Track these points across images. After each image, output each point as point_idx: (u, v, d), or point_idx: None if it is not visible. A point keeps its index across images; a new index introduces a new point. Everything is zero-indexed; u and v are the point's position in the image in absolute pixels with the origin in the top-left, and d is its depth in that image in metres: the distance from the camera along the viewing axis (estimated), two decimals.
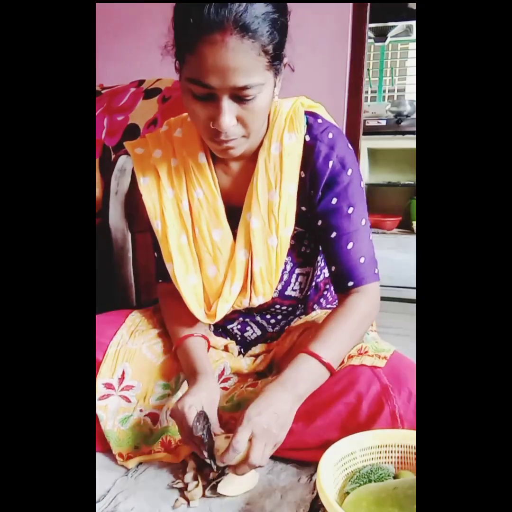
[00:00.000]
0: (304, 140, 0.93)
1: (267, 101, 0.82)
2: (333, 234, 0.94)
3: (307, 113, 0.96)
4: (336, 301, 1.18)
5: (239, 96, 0.78)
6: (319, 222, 0.96)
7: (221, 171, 0.99)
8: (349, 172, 0.93)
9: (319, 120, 0.95)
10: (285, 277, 1.02)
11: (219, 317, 0.99)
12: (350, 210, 0.94)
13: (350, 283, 0.95)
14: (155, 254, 1.07)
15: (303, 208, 0.96)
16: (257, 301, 0.99)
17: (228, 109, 0.79)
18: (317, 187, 0.93)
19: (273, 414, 0.80)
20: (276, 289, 1.01)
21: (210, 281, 0.99)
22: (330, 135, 0.92)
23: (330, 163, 0.92)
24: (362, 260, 0.94)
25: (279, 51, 0.80)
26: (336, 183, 0.93)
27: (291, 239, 0.98)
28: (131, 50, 1.92)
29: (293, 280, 1.03)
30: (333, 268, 0.97)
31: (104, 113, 1.78)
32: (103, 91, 1.86)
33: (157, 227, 0.99)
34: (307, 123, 0.94)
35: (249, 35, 0.73)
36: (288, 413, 0.83)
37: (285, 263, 1.00)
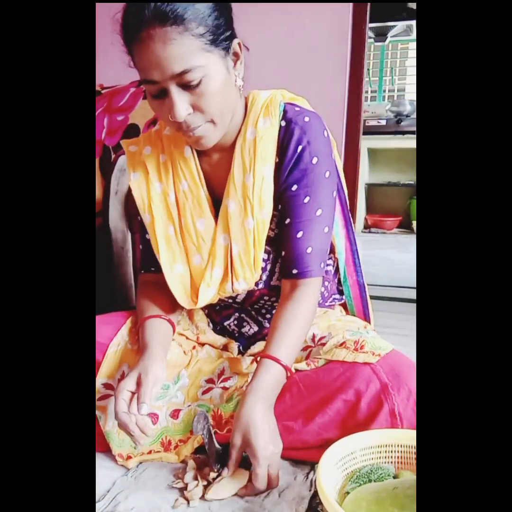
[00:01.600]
0: (280, 125, 0.94)
1: (218, 84, 0.83)
2: (287, 221, 0.96)
3: (286, 103, 0.97)
4: (332, 299, 1.18)
5: (184, 83, 0.80)
6: (279, 206, 0.97)
7: (205, 163, 1.01)
8: (314, 160, 0.93)
9: (297, 108, 0.96)
10: (269, 266, 1.02)
11: (202, 302, 1.00)
12: (307, 199, 0.94)
13: (294, 271, 0.96)
14: (141, 246, 1.10)
15: (279, 191, 0.97)
16: (239, 286, 0.99)
17: (179, 98, 0.81)
18: (283, 170, 0.94)
19: (272, 437, 0.83)
20: (261, 279, 1.01)
21: (196, 270, 1.01)
22: (306, 119, 0.93)
23: (299, 148, 0.93)
24: (308, 250, 0.95)
25: (217, 31, 0.81)
26: (298, 170, 0.94)
27: (272, 227, 0.98)
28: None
29: (277, 269, 1.03)
30: (283, 253, 0.98)
31: (104, 113, 1.78)
32: (103, 91, 1.86)
33: (146, 220, 1.02)
34: (284, 109, 0.95)
35: (170, 22, 0.76)
36: (273, 424, 0.86)
37: (268, 253, 1.00)
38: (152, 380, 0.88)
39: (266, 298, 1.06)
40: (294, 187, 0.94)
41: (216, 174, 1.01)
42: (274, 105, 0.94)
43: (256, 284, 1.01)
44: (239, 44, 0.87)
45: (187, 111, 0.83)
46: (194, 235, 1.00)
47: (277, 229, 1.00)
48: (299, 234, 0.95)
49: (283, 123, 0.94)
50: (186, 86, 0.81)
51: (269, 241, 0.99)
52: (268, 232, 0.98)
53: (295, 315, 0.94)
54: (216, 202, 1.00)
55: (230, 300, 1.07)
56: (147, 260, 1.08)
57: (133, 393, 0.87)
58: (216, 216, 0.99)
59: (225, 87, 0.85)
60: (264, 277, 1.02)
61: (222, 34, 0.82)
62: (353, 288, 1.17)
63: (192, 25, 0.78)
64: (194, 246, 1.00)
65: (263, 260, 1.00)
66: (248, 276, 0.99)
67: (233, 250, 0.97)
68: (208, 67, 0.80)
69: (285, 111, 0.95)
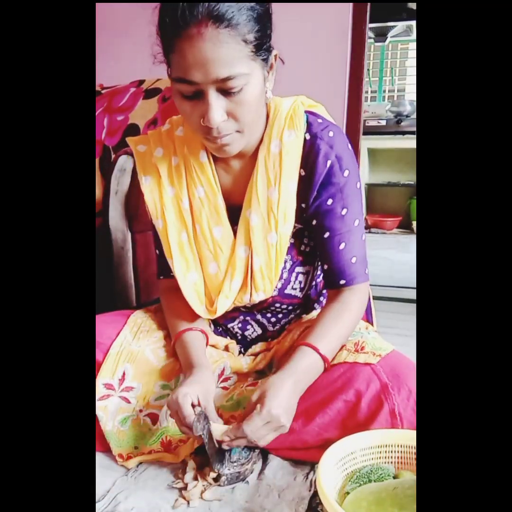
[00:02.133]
0: (304, 138, 0.93)
1: (256, 94, 0.81)
2: (326, 234, 0.96)
3: (307, 112, 0.96)
4: None
5: (225, 89, 0.78)
6: (314, 222, 0.97)
7: (222, 170, 0.99)
8: (346, 173, 0.93)
9: (319, 120, 0.95)
10: (285, 275, 1.02)
11: (220, 312, 0.99)
12: (344, 212, 0.94)
13: (342, 282, 0.97)
14: (157, 252, 1.08)
15: (303, 205, 0.97)
16: (258, 297, 1.00)
17: (216, 103, 0.78)
18: (313, 186, 0.94)
19: (287, 409, 0.84)
20: (276, 287, 1.01)
21: (211, 278, 1.00)
22: (331, 134, 0.92)
23: (328, 162, 0.92)
24: (353, 260, 0.97)
25: (262, 40, 0.79)
26: (331, 184, 0.93)
27: (292, 236, 0.98)
28: (131, 50, 1.92)
29: (293, 278, 1.03)
30: (325, 267, 0.99)
31: (104, 113, 1.78)
32: (103, 91, 1.86)
33: (159, 225, 1.00)
34: (307, 121, 0.94)
35: (225, 24, 0.73)
36: (294, 406, 0.86)
37: (285, 261, 1.00)
38: (212, 400, 0.91)
39: (277, 305, 1.06)
40: (330, 201, 0.94)
41: (233, 182, 1.00)
42: (298, 117, 0.93)
43: (272, 290, 1.01)
44: (275, 56, 0.86)
45: (222, 118, 0.80)
46: (211, 242, 0.98)
47: (312, 243, 1.02)
48: (342, 246, 0.96)
49: (308, 137, 0.93)
50: (226, 92, 0.78)
51: (288, 249, 0.99)
52: (301, 246, 1.01)
53: (340, 315, 0.95)
54: (231, 208, 0.98)
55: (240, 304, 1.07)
56: (165, 265, 1.04)
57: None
58: (231, 224, 0.98)
59: (260, 97, 0.83)
60: (279, 285, 1.02)
61: (265, 44, 0.81)
62: None
63: (244, 31, 0.75)
64: (211, 253, 0.99)
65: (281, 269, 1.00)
66: (268, 288, 0.99)
67: (255, 263, 0.97)
68: (251, 76, 0.79)
69: (308, 123, 0.94)
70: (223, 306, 0.99)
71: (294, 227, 0.97)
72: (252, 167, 0.95)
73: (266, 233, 0.95)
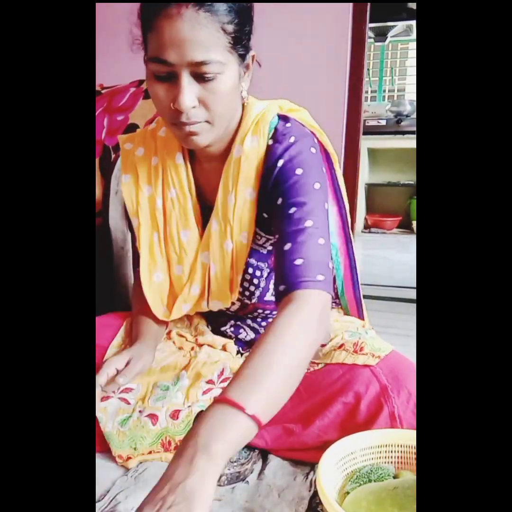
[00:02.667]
0: (267, 144, 0.90)
1: (229, 86, 0.80)
2: (276, 236, 0.86)
3: (282, 117, 0.93)
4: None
5: (199, 73, 0.77)
6: (272, 227, 0.91)
7: (198, 172, 0.99)
8: (299, 171, 0.87)
9: (288, 124, 0.91)
10: (262, 283, 1.00)
11: (175, 316, 1.01)
12: (292, 210, 0.84)
13: (281, 287, 0.79)
14: (136, 244, 1.09)
15: (265, 215, 0.93)
16: (214, 306, 0.99)
17: (188, 87, 0.77)
18: (268, 188, 0.90)
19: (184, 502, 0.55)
20: (254, 295, 1.00)
21: (176, 280, 1.00)
22: (291, 139, 0.89)
23: (280, 162, 0.88)
24: (298, 261, 0.79)
25: (241, 35, 0.79)
26: (281, 182, 0.87)
27: (268, 244, 0.96)
28: (131, 50, 1.92)
29: (271, 286, 1.01)
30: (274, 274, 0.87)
31: (104, 113, 1.78)
32: (103, 91, 1.86)
33: (134, 224, 1.02)
34: (276, 127, 0.91)
35: (206, 8, 0.73)
36: (202, 490, 0.55)
37: (261, 269, 0.98)
38: (141, 366, 0.94)
39: (260, 310, 1.06)
40: (279, 201, 0.87)
41: (208, 184, 0.99)
42: (264, 123, 0.90)
43: (249, 298, 1.00)
44: (252, 56, 0.85)
45: (193, 103, 0.79)
46: (178, 245, 0.98)
47: (269, 248, 0.98)
48: (287, 246, 0.82)
49: (271, 142, 0.90)
50: (199, 77, 0.77)
51: (263, 257, 0.97)
52: (261, 248, 0.96)
53: (277, 348, 0.68)
54: (205, 211, 0.98)
55: (224, 309, 1.07)
56: None
57: (117, 372, 0.92)
58: (203, 228, 0.98)
59: (233, 92, 0.83)
60: (257, 293, 1.01)
61: (244, 41, 0.81)
62: (350, 301, 1.16)
63: (223, 19, 0.75)
64: (176, 256, 0.99)
65: (256, 277, 0.98)
66: (223, 297, 0.98)
67: (211, 270, 0.96)
68: (226, 66, 0.78)
69: (276, 129, 0.91)
70: (179, 310, 1.00)
71: (260, 236, 0.95)
72: (222, 170, 0.94)
73: (222, 240, 0.94)
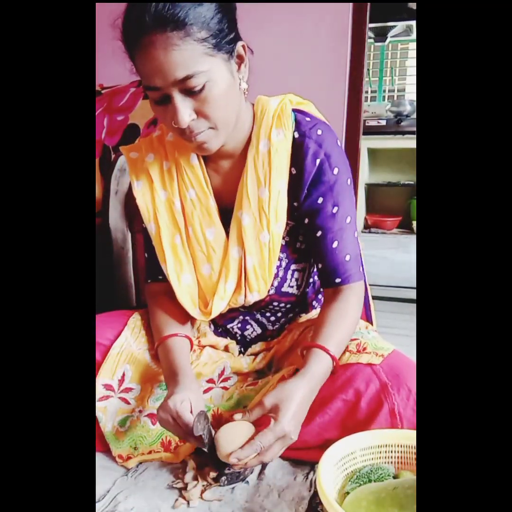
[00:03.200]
0: (293, 137, 0.93)
1: (221, 88, 0.81)
2: (319, 233, 0.96)
3: (295, 111, 0.95)
4: None
5: (188, 89, 0.79)
6: (306, 220, 0.97)
7: (213, 171, 1.00)
8: (336, 171, 0.93)
9: (308, 118, 0.95)
10: (281, 273, 1.02)
11: (215, 314, 0.99)
12: (335, 210, 0.94)
13: (338, 280, 0.97)
14: (146, 255, 1.08)
15: (295, 204, 0.97)
16: (252, 298, 0.99)
17: (182, 105, 0.80)
18: (303, 184, 0.94)
19: (299, 423, 0.82)
20: (272, 285, 1.01)
21: (205, 280, 1.00)
22: (319, 132, 0.93)
23: (317, 161, 0.92)
24: (347, 257, 0.96)
25: (219, 34, 0.79)
26: (321, 182, 0.93)
27: (286, 235, 0.98)
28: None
29: (289, 276, 1.03)
30: (320, 265, 0.99)
31: (104, 113, 1.78)
32: (103, 91, 1.86)
33: (151, 229, 1.00)
34: (296, 120, 0.94)
35: (171, 27, 0.75)
36: (305, 416, 0.85)
37: (280, 259, 1.00)
38: (200, 401, 0.89)
39: (275, 303, 1.06)
40: (320, 200, 0.94)
41: (224, 183, 1.00)
42: (286, 116, 0.93)
43: (267, 290, 1.01)
44: (243, 46, 0.85)
45: (190, 117, 0.81)
46: (204, 244, 0.98)
47: (305, 242, 1.01)
48: (335, 244, 0.95)
49: (297, 135, 0.93)
50: (189, 92, 0.79)
51: (283, 248, 0.99)
52: (296, 244, 1.00)
53: (342, 314, 0.94)
54: (223, 210, 0.99)
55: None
56: (154, 269, 1.05)
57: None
58: (224, 225, 0.98)
59: (229, 91, 0.83)
60: (275, 283, 1.02)
61: (226, 37, 0.80)
62: None
63: (193, 30, 0.76)
64: (204, 255, 0.99)
65: (277, 267, 1.00)
66: (262, 288, 0.99)
67: (248, 263, 0.97)
68: (211, 72, 0.79)
69: (297, 122, 0.94)
70: (217, 307, 0.99)
71: (287, 225, 0.98)
72: (242, 168, 0.95)
73: (258, 232, 0.95)
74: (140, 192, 1.00)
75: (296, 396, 0.81)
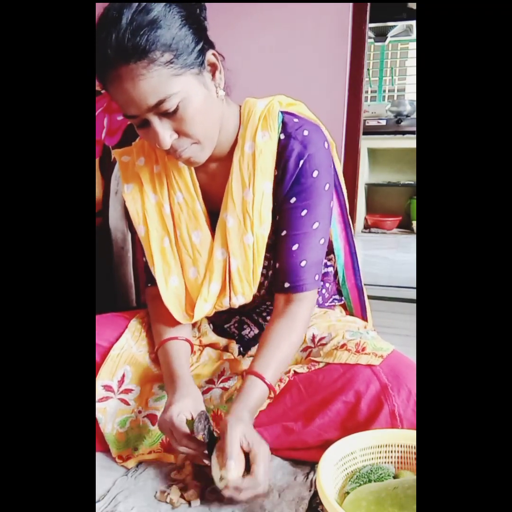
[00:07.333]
0: (279, 138, 0.92)
1: (197, 104, 0.81)
2: (283, 232, 0.95)
3: (284, 112, 0.95)
4: (332, 299, 1.18)
5: (162, 112, 0.79)
6: (277, 217, 0.96)
7: (202, 174, 0.99)
8: (315, 173, 0.92)
9: (295, 119, 0.94)
10: (270, 273, 1.01)
11: (198, 317, 0.99)
12: (304, 213, 0.93)
13: (287, 285, 0.95)
14: (144, 259, 1.08)
15: (275, 204, 0.96)
16: (237, 301, 0.99)
17: (161, 127, 0.81)
18: (285, 185, 0.93)
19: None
20: (263, 285, 1.01)
21: (191, 283, 1.00)
22: (305, 133, 0.92)
23: (301, 162, 0.91)
24: (303, 263, 0.94)
25: (187, 49, 0.78)
26: (299, 183, 0.92)
27: (272, 234, 0.97)
28: None
29: None
30: (277, 265, 0.97)
31: (104, 113, 1.78)
32: (103, 91, 1.86)
33: (141, 232, 1.00)
34: (283, 121, 0.93)
35: (135, 58, 0.74)
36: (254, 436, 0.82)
37: (269, 260, 1.00)
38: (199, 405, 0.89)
39: (268, 303, 1.06)
40: (293, 200, 0.93)
41: (212, 185, 1.00)
42: (272, 117, 0.92)
43: (259, 290, 1.01)
44: (213, 54, 0.84)
45: (171, 138, 0.83)
46: (190, 247, 0.98)
47: (274, 238, 0.99)
48: (295, 247, 0.94)
49: (283, 137, 0.92)
50: (165, 114, 0.80)
51: (268, 248, 0.98)
52: (267, 240, 0.97)
53: (287, 333, 0.93)
54: (212, 214, 0.99)
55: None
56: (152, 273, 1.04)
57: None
58: (212, 228, 0.98)
59: (205, 104, 0.83)
60: (265, 283, 1.02)
61: (192, 52, 0.79)
62: (351, 290, 1.17)
63: (156, 55, 0.75)
64: (190, 258, 0.99)
65: (264, 267, 0.99)
66: (247, 291, 0.98)
67: (232, 265, 0.96)
68: (183, 91, 0.78)
69: (283, 123, 0.93)
70: (201, 310, 0.98)
71: (273, 225, 0.97)
72: (229, 169, 0.95)
73: (242, 234, 0.95)
74: (130, 196, 1.00)
75: (242, 422, 0.80)
